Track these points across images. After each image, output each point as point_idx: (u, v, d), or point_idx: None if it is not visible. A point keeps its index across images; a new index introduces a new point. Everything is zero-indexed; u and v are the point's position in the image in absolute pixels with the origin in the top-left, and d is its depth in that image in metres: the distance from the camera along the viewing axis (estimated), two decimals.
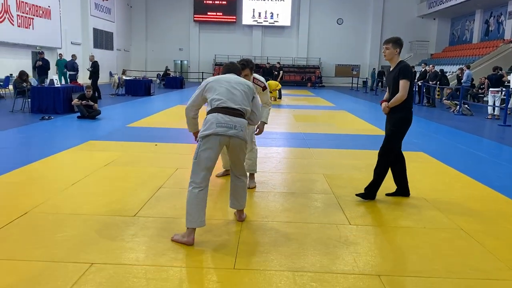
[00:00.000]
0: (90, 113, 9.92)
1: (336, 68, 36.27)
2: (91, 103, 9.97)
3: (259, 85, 4.55)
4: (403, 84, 4.11)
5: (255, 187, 4.74)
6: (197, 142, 3.26)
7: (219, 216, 3.84)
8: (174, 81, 24.82)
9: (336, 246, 3.25)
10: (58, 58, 17.51)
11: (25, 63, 20.70)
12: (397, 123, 4.22)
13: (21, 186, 4.59)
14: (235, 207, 3.65)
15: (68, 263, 2.84)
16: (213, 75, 34.43)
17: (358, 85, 29.75)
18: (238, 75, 3.56)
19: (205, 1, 35.84)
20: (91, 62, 15.06)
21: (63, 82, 16.07)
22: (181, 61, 37.41)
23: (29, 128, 8.66)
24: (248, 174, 4.51)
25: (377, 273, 2.83)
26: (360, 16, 35.18)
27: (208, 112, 3.27)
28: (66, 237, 3.28)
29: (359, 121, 11.43)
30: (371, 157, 6.51)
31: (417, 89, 17.19)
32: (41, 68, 13.82)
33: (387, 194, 4.56)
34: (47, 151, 6.37)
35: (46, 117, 9.86)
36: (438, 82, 16.98)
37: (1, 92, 15.23)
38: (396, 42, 4.19)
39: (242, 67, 4.09)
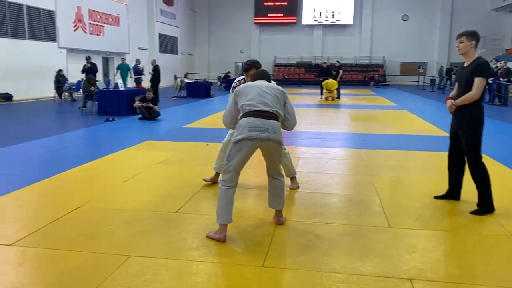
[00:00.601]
0: (150, 115, 10.42)
1: (401, 66, 34.96)
2: (151, 105, 10.46)
3: None
4: (479, 82, 3.79)
5: (298, 187, 4.73)
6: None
7: (256, 215, 3.88)
8: None
9: (371, 249, 3.17)
10: (121, 62, 18.40)
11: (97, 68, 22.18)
12: (472, 125, 3.90)
13: (79, 182, 4.95)
14: (274, 206, 3.67)
15: (109, 255, 3.03)
16: (273, 76, 34.79)
17: (425, 84, 28.46)
18: (268, 81, 3.58)
19: (265, 3, 36.14)
20: (152, 66, 15.77)
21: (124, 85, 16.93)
22: (242, 64, 37.91)
23: (94, 129, 9.26)
24: (289, 178, 4.57)
25: (409, 277, 2.73)
26: (427, 11, 33.64)
27: (241, 117, 3.32)
28: (111, 230, 3.50)
29: (419, 121, 10.96)
30: (425, 159, 6.27)
31: (487, 87, 16.12)
32: (90, 71, 14.08)
33: (436, 197, 4.35)
34: (107, 150, 6.80)
35: (110, 119, 10.50)
36: (510, 80, 15.81)
37: (74, 95, 16.44)
38: (471, 35, 3.89)
39: (248, 67, 4.11)
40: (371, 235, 3.44)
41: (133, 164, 5.89)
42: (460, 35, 3.97)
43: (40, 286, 2.61)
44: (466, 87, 3.89)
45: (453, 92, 4.19)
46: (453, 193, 4.30)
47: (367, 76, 33.58)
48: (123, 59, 18.77)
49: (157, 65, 15.74)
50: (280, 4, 35.96)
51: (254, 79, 3.62)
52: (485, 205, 3.96)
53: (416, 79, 29.77)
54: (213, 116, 11.62)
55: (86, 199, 4.27)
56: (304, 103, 16.34)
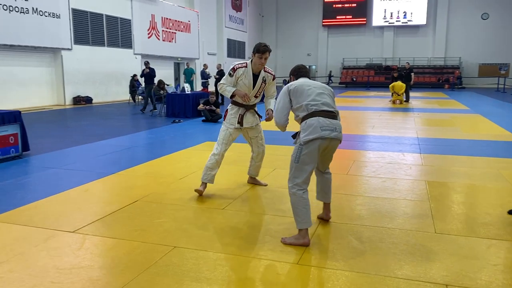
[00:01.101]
0: (212, 117, 10.81)
1: (479, 67, 32.90)
2: (214, 108, 10.85)
3: (270, 73, 4.50)
4: None
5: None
6: (297, 145, 3.29)
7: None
8: None
9: (410, 253, 3.12)
10: (186, 67, 19.02)
11: (168, 73, 23.36)
12: None
13: (140, 178, 5.32)
14: (324, 199, 3.72)
15: (156, 245, 3.27)
16: (341, 79, 34.28)
17: (506, 86, 26.49)
18: (308, 78, 3.62)
19: (334, 5, 35.81)
20: (217, 70, 16.29)
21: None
22: (309, 66, 37.88)
23: (160, 130, 9.82)
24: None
25: (446, 282, 2.66)
26: (510, 8, 31.34)
27: (307, 117, 3.26)
28: (161, 223, 3.76)
29: (491, 125, 10.31)
30: (489, 165, 5.93)
31: None
32: (148, 76, 14.15)
33: (510, 212, 3.98)
34: (169, 149, 7.21)
35: (176, 121, 11.06)
36: None
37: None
38: None
39: (265, 49, 4.23)
40: (412, 239, 3.37)
41: (190, 163, 6.20)
42: None
43: (94, 267, 2.90)
44: None
45: None
46: None
47: (441, 79, 31.98)
48: (187, 64, 19.54)
49: (221, 70, 16.25)
50: (349, 6, 35.46)
51: (298, 76, 3.59)
52: None
53: (496, 82, 27.80)
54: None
55: (143, 194, 4.60)
56: (370, 106, 15.99)
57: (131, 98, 17.67)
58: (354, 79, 34.02)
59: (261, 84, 4.40)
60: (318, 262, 3.00)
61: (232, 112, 4.49)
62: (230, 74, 4.34)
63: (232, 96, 4.36)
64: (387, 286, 2.64)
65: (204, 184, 4.49)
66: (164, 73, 21.83)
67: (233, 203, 4.31)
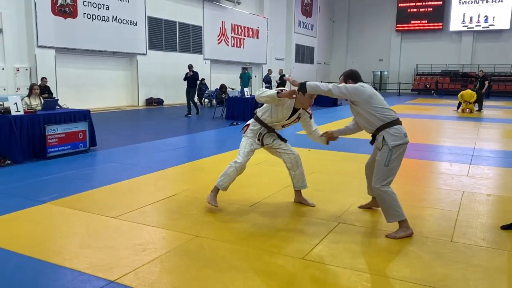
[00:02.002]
0: None
1: None
2: None
3: (308, 112, 4.32)
4: None
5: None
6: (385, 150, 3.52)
7: (319, 215, 4.13)
8: None
9: (417, 257, 3.18)
10: (242, 72, 19.03)
11: (235, 78, 24.11)
12: None
13: (184, 175, 5.78)
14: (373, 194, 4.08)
15: (180, 233, 3.64)
16: (413, 85, 32.98)
17: None
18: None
19: (409, 10, 34.67)
20: (279, 76, 16.61)
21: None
22: (381, 72, 36.98)
23: (218, 131, 10.34)
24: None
25: (431, 284, 2.72)
26: None
27: (391, 124, 3.53)
28: (189, 214, 4.13)
29: None
30: None
31: None
32: (192, 79, 14.04)
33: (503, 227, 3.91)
34: (219, 150, 7.64)
35: (234, 123, 11.54)
36: None
37: (213, 102, 18.23)
38: None
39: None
40: (424, 246, 3.42)
41: None
42: None
43: (123, 247, 3.32)
44: None
45: None
46: None
47: None
48: (244, 69, 19.61)
49: (284, 74, 16.56)
50: (425, 11, 34.13)
51: (357, 80, 3.72)
52: None
53: None
54: (330, 124, 11.82)
55: (183, 188, 5.02)
56: (435, 114, 15.39)
57: (198, 101, 18.56)
58: (428, 86, 32.63)
59: (295, 119, 4.20)
60: (322, 259, 3.17)
61: (254, 128, 4.21)
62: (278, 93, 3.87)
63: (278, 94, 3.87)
64: (380, 285, 2.76)
65: (216, 190, 4.26)
66: (232, 78, 22.61)
67: (263, 201, 4.58)
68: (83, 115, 7.42)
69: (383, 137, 3.51)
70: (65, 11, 14.05)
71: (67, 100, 13.56)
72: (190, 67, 14.08)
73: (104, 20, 15.53)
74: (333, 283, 2.83)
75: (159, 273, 2.92)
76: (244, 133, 4.30)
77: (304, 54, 31.68)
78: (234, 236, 3.61)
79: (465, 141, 9.13)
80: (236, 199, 4.65)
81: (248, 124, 4.30)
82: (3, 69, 12.75)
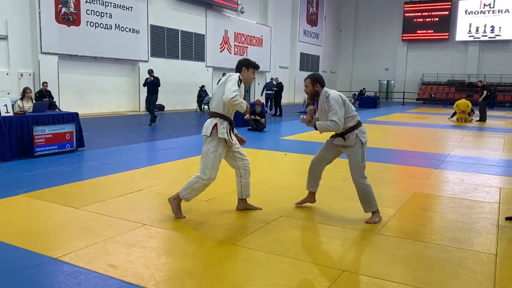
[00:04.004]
0: (257, 126, 11.48)
1: None
2: (259, 118, 11.52)
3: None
4: None
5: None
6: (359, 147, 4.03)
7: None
8: (368, 101, 25.10)
9: (417, 259, 3.40)
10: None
11: None
12: None
13: (154, 173, 6.15)
14: (315, 189, 4.52)
15: (130, 222, 3.99)
16: (418, 95, 33.04)
17: None
18: None
19: (415, 20, 34.84)
20: (276, 83, 16.98)
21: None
22: (388, 81, 37.10)
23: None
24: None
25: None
26: None
27: (357, 124, 4.05)
28: (145, 207, 4.48)
29: None
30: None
31: None
32: (152, 85, 12.72)
33: (508, 218, 4.25)
34: (194, 153, 7.98)
35: None
36: None
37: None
38: None
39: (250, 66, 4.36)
40: (348, 238, 3.70)
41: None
42: None
43: (75, 232, 3.67)
44: None
45: None
46: None
47: None
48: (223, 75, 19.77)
49: (280, 82, 16.90)
50: (431, 21, 34.25)
51: (323, 84, 4.12)
52: None
53: None
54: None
55: (151, 184, 5.37)
56: (430, 123, 15.55)
57: (198, 107, 19.01)
58: (433, 96, 32.65)
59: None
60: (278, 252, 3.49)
61: (222, 126, 3.99)
62: (238, 84, 3.97)
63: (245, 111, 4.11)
64: (377, 286, 3.06)
65: (179, 200, 4.11)
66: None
67: (221, 196, 4.91)
68: (71, 117, 7.85)
69: (356, 135, 4.00)
70: (69, 19, 14.65)
71: (70, 105, 14.13)
72: (150, 72, 12.78)
73: (107, 28, 16.10)
74: (259, 262, 3.14)
75: (97, 254, 3.26)
76: (211, 135, 3.95)
77: (309, 63, 32.01)
78: (181, 226, 3.94)
79: (444, 148, 9.34)
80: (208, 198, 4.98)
81: (216, 124, 3.96)
82: (7, 74, 13.35)
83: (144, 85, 12.86)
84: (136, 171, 6.27)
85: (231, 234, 3.77)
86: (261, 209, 4.42)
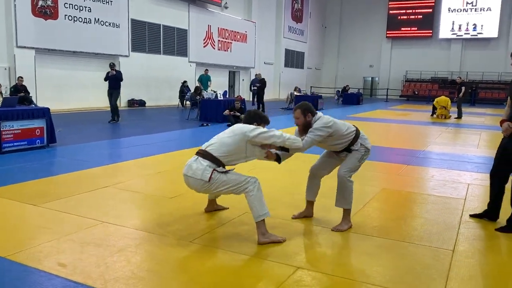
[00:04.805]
0: (237, 122, 11.38)
1: None
2: (238, 113, 11.46)
3: None
4: None
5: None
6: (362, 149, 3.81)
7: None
8: (351, 97, 25.21)
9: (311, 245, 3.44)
10: (203, 74, 18.57)
11: (222, 81, 24.43)
12: None
13: (124, 170, 6.06)
14: (314, 199, 4.15)
15: (88, 219, 3.91)
16: (402, 91, 33.32)
17: None
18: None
19: (399, 17, 35.05)
20: (259, 79, 16.91)
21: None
22: (372, 78, 37.29)
23: (186, 131, 10.63)
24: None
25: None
26: None
27: (358, 133, 3.86)
28: (109, 204, 4.39)
29: None
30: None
31: None
32: (114, 79, 11.80)
33: (472, 215, 4.27)
34: (182, 146, 7.92)
35: (204, 124, 11.82)
36: None
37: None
38: None
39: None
40: (390, 246, 3.68)
41: (183, 160, 6.81)
42: None
43: (28, 229, 3.58)
44: None
45: (506, 112, 4.02)
46: (491, 213, 4.15)
47: None
48: (206, 71, 18.77)
49: (263, 78, 16.85)
50: (415, 18, 34.49)
51: (312, 111, 3.79)
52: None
53: None
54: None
55: (117, 181, 5.29)
56: (410, 119, 15.66)
57: (180, 103, 18.86)
58: (416, 93, 32.94)
59: None
60: (277, 258, 3.44)
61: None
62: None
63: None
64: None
65: (263, 224, 3.53)
66: (219, 81, 22.90)
67: (184, 194, 4.85)
68: (42, 113, 7.69)
69: (360, 144, 3.81)
70: (46, 12, 14.37)
71: (47, 100, 13.86)
72: (112, 66, 11.96)
73: (86, 22, 15.84)
74: (213, 259, 3.09)
75: (48, 252, 3.18)
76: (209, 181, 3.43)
77: (294, 59, 32.00)
78: (141, 223, 3.87)
79: (420, 144, 9.40)
80: (155, 190, 4.91)
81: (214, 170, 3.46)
82: None
83: (105, 80, 11.91)
84: (105, 167, 6.16)
85: (191, 231, 3.71)
86: (228, 208, 4.32)
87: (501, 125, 3.95)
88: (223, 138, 3.58)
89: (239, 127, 3.59)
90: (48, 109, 7.89)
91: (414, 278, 2.93)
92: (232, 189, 3.46)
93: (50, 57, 14.98)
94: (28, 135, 7.30)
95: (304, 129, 3.75)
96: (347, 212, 3.87)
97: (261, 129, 3.52)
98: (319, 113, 3.81)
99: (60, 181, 5.30)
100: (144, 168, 6.26)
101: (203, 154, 3.53)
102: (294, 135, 3.73)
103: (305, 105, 3.78)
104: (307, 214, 4.14)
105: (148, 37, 18.86)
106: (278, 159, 3.77)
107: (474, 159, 7.68)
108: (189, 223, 3.92)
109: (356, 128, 3.87)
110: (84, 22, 15.75)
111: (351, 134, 3.80)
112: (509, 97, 4.07)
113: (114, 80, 11.80)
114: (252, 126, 3.55)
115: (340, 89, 28.37)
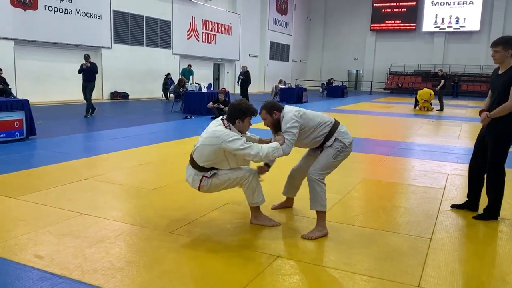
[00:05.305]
0: (220, 114, 11.36)
1: None
2: (222, 106, 11.41)
3: None
4: None
5: None
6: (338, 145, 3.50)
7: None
8: (336, 90, 25.32)
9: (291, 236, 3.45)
10: (186, 68, 18.61)
11: (207, 73, 24.29)
12: (504, 138, 3.81)
13: (105, 162, 5.99)
14: (293, 195, 4.09)
15: (68, 211, 3.86)
16: (386, 84, 33.57)
17: None
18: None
19: (383, 10, 35.24)
20: (243, 71, 16.86)
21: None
22: (356, 71, 37.49)
23: (170, 124, 10.57)
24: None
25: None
26: None
27: (334, 129, 3.55)
28: (87, 197, 4.34)
29: None
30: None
31: None
32: (90, 72, 11.43)
33: (453, 206, 4.31)
34: (165, 138, 7.86)
35: (188, 117, 11.75)
36: None
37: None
38: (508, 43, 3.71)
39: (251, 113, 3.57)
40: (369, 235, 3.69)
41: (166, 152, 6.78)
42: (495, 44, 3.78)
43: (5, 222, 3.52)
44: (500, 96, 3.76)
45: (485, 103, 4.05)
46: (472, 204, 4.20)
47: None
48: (189, 66, 18.77)
49: (247, 71, 16.80)
50: (399, 11, 34.73)
51: (279, 108, 3.56)
52: (491, 211, 3.93)
53: None
54: None
55: (97, 173, 5.23)
56: (393, 112, 15.81)
57: (163, 96, 18.70)
58: (400, 85, 33.25)
59: None
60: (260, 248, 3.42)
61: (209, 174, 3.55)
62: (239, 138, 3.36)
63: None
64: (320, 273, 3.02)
65: (258, 209, 3.73)
66: (203, 73, 22.77)
67: (166, 185, 4.82)
68: (21, 105, 7.54)
69: (336, 138, 3.51)
70: (25, 2, 14.06)
71: (27, 92, 13.61)
72: (86, 57, 11.46)
73: (67, 13, 15.56)
74: (192, 249, 3.08)
75: (25, 244, 3.13)
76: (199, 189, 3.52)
77: (279, 52, 31.96)
78: (120, 215, 3.84)
79: (401, 135, 9.50)
80: (136, 182, 4.87)
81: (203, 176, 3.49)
82: None
83: (79, 72, 11.47)
84: (86, 159, 6.09)
85: (171, 222, 3.69)
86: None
87: (480, 115, 4.00)
88: (203, 144, 3.41)
89: (218, 134, 3.34)
90: (27, 101, 7.74)
91: (392, 266, 2.97)
92: (229, 186, 3.54)
93: (30, 48, 14.70)
94: (6, 127, 7.16)
95: (274, 127, 3.57)
96: (321, 217, 3.49)
97: (239, 142, 3.27)
98: (286, 107, 3.57)
99: (40, 174, 5.21)
100: (126, 160, 6.20)
101: (191, 161, 3.53)
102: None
103: (269, 104, 3.58)
104: (287, 205, 4.14)
105: (131, 29, 18.62)
106: (267, 165, 3.68)
107: (455, 150, 7.80)
108: (169, 214, 3.89)
109: (335, 120, 3.60)
110: (64, 13, 15.46)
111: (326, 126, 3.52)
112: (490, 89, 4.12)
113: (88, 73, 11.40)
114: (231, 136, 3.29)
115: (324, 82, 28.45)
